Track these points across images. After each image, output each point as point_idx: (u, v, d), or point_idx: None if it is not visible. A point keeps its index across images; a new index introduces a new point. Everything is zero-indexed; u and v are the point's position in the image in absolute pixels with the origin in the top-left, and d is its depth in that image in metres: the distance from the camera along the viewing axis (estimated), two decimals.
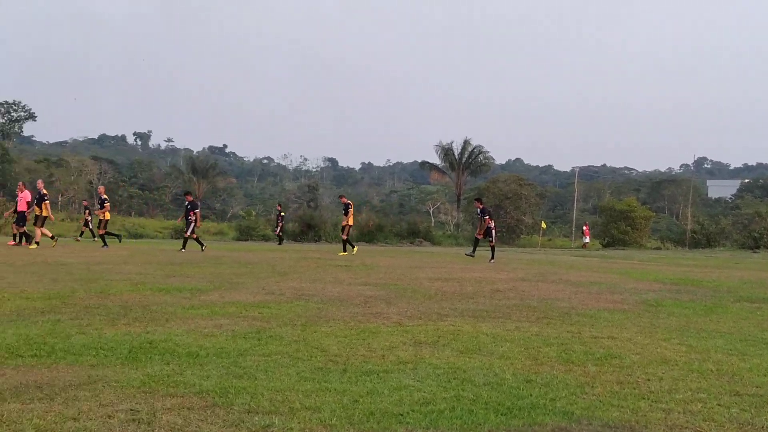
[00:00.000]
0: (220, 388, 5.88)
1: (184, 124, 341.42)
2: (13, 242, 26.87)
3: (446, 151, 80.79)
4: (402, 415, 5.31)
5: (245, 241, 48.88)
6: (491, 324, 9.90)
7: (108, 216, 29.69)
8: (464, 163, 80.00)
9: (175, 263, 19.57)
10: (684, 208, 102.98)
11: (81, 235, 39.05)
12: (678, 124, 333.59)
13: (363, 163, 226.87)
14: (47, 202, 26.05)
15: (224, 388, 5.88)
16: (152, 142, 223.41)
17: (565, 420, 5.34)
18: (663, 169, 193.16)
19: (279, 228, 42.60)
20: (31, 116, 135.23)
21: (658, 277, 19.40)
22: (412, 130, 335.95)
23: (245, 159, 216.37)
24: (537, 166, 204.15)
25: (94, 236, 38.74)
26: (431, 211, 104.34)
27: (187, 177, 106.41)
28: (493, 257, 25.92)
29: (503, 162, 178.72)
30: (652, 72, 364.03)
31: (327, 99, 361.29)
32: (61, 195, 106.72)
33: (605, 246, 60.44)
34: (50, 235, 26.88)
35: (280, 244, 41.39)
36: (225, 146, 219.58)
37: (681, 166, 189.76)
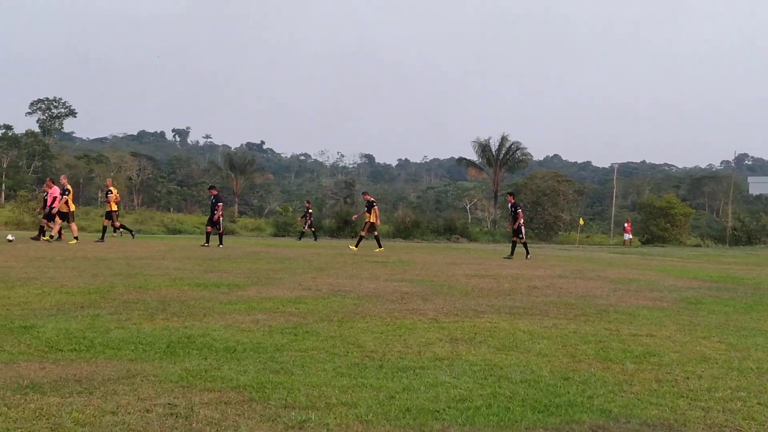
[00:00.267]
0: (257, 383, 5.91)
1: (222, 120, 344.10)
2: (47, 238, 26.97)
3: (483, 148, 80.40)
4: (438, 411, 5.31)
5: (282, 237, 49.02)
6: (528, 321, 9.85)
7: (115, 207, 29.69)
8: (501, 159, 79.55)
9: (212, 259, 19.69)
10: (724, 205, 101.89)
11: (115, 231, 39.30)
12: (719, 120, 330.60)
13: (400, 160, 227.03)
14: (67, 196, 26.08)
15: (261, 383, 5.91)
16: (191, 139, 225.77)
17: (603, 418, 5.31)
18: (703, 166, 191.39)
19: (307, 224, 42.73)
20: (72, 113, 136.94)
21: (698, 275, 19.17)
22: (449, 127, 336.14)
23: (282, 155, 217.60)
24: (575, 163, 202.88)
25: (114, 230, 39.07)
26: (468, 208, 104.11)
27: (225, 173, 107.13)
28: (527, 254, 25.74)
29: (541, 158, 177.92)
30: (693, 68, 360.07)
31: (364, 95, 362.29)
32: (101, 191, 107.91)
33: (644, 243, 59.82)
34: (55, 232, 26.84)
35: (313, 239, 41.45)
36: (262, 143, 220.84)
37: (721, 163, 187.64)
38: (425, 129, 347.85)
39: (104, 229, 29.89)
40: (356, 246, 28.07)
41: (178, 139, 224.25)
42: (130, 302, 10.55)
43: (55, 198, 26.65)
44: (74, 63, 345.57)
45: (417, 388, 5.92)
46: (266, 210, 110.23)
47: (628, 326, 9.62)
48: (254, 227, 62.96)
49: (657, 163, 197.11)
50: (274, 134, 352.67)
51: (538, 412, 5.39)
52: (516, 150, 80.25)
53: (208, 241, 27.17)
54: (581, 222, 60.03)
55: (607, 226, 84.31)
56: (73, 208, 26.30)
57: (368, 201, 29.03)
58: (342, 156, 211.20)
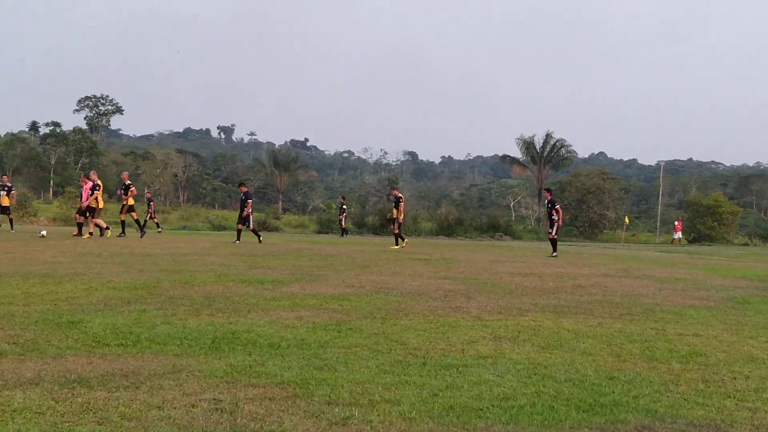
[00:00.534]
0: (301, 379, 5.94)
1: (266, 118, 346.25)
2: (89, 234, 27.09)
3: (528, 145, 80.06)
4: (482, 409, 5.29)
5: (325, 234, 49.22)
6: (573, 320, 9.78)
7: (132, 202, 29.02)
8: (546, 156, 79.16)
9: (257, 255, 19.82)
10: None
11: (159, 227, 39.71)
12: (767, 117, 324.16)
13: (443, 157, 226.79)
14: (98, 192, 26.18)
15: (305, 380, 5.94)
16: (235, 136, 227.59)
17: (649, 418, 5.25)
18: (751, 164, 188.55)
19: (342, 219, 43.02)
20: (119, 110, 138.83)
21: (746, 274, 18.90)
22: (492, 124, 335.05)
23: (326, 153, 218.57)
24: (621, 160, 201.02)
25: (140, 228, 39.37)
26: (512, 205, 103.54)
27: (270, 170, 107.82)
28: (555, 251, 25.57)
29: (586, 156, 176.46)
30: (741, 65, 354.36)
31: (407, 92, 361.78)
32: (147, 187, 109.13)
33: (691, 242, 59.15)
34: (103, 226, 26.99)
35: (342, 236, 41.59)
36: (306, 140, 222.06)
37: None
38: (469, 126, 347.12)
39: (123, 222, 29.29)
40: (397, 244, 28.17)
41: (223, 136, 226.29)
42: (175, 298, 10.66)
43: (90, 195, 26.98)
44: (122, 61, 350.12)
45: (460, 386, 5.91)
46: (310, 207, 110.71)
47: (674, 326, 9.52)
48: (298, 224, 63.32)
49: (704, 160, 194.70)
50: (317, 132, 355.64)
51: (583, 412, 5.35)
52: (561, 147, 79.84)
53: (239, 238, 27.36)
54: (626, 220, 59.52)
55: (653, 224, 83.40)
56: (102, 204, 26.44)
57: (396, 197, 29.18)
58: (385, 153, 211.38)
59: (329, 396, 5.51)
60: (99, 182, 26.62)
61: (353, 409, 5.20)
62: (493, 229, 54.02)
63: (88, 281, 12.31)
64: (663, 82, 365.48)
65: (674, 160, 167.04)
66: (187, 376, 6.00)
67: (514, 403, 5.49)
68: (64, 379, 5.78)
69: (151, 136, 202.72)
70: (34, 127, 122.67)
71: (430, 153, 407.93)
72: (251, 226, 27.99)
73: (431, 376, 6.22)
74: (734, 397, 5.87)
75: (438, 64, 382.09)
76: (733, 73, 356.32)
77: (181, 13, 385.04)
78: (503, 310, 10.55)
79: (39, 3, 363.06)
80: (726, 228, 61.95)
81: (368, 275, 15.05)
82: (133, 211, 29.11)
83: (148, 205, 40.31)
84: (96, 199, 25.90)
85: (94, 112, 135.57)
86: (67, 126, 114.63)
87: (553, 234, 25.92)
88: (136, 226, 30.47)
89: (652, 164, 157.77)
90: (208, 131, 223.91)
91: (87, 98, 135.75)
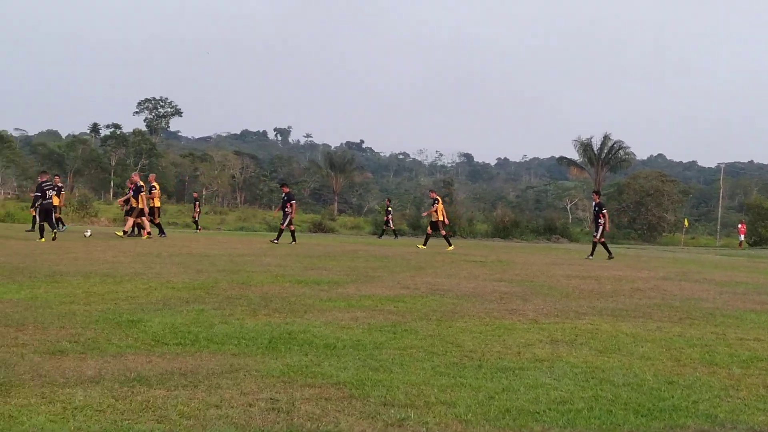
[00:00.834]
0: (357, 380, 5.96)
1: (322, 120, 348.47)
2: (146, 234, 27.21)
3: (585, 147, 79.28)
4: (538, 413, 5.26)
5: (381, 236, 49.27)
6: (631, 323, 9.66)
7: (158, 203, 28.49)
8: (603, 158, 78.28)
9: (312, 256, 19.94)
10: None
11: (198, 227, 40.17)
12: None
13: (498, 159, 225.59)
14: (143, 194, 26.41)
15: (361, 380, 5.96)
16: (292, 138, 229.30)
17: (708, 423, 5.17)
18: None
19: (387, 221, 43.07)
20: (178, 112, 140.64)
21: None
22: (549, 125, 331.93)
23: (381, 154, 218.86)
24: (680, 162, 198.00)
25: (197, 227, 39.83)
26: (569, 208, 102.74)
27: (325, 172, 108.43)
28: (592, 254, 25.30)
29: (644, 158, 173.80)
30: None
31: (463, 94, 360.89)
32: (205, 189, 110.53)
33: (752, 245, 58.01)
34: (146, 228, 27.03)
35: (380, 237, 41.59)
36: (362, 142, 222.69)
37: None
38: (525, 127, 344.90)
39: (159, 225, 28.65)
40: (450, 245, 28.24)
41: (279, 138, 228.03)
42: (233, 298, 10.77)
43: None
44: (180, 62, 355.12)
45: (517, 389, 5.88)
46: (365, 208, 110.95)
47: (734, 330, 9.35)
48: (353, 225, 63.55)
49: (765, 163, 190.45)
50: (373, 133, 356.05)
51: (641, 416, 5.29)
52: (618, 149, 78.92)
53: (294, 238, 27.55)
54: (686, 223, 58.57)
55: (713, 227, 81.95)
56: (142, 205, 26.65)
57: (433, 198, 29.20)
58: (440, 155, 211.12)
59: (385, 397, 5.52)
60: (142, 183, 26.91)
61: (409, 410, 5.20)
62: (550, 231, 53.58)
63: (148, 281, 12.51)
64: (723, 83, 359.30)
65: (735, 162, 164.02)
66: (245, 375, 6.06)
67: (572, 407, 5.45)
68: (124, 378, 5.87)
69: (209, 138, 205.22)
70: (95, 129, 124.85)
71: (486, 154, 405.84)
72: (284, 225, 27.95)
73: (487, 379, 6.20)
74: None
75: (495, 65, 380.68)
76: None
77: (239, 14, 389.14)
78: (560, 313, 10.46)
79: (99, 8, 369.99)
80: None
81: (423, 277, 15.05)
82: (144, 215, 27.32)
83: (195, 205, 40.88)
84: (139, 200, 26.22)
85: (153, 114, 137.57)
86: (127, 128, 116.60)
87: (598, 237, 25.64)
88: (136, 229, 28.04)
89: (712, 166, 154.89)
90: (265, 133, 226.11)
91: (146, 100, 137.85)
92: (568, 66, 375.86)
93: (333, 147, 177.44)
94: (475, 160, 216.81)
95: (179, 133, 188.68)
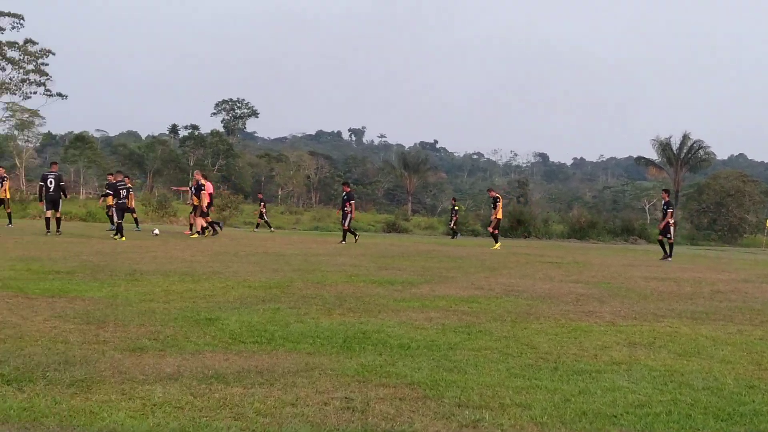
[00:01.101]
0: (431, 381, 5.95)
1: (396, 120, 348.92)
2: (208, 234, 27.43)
3: (663, 146, 77.87)
4: (615, 416, 5.18)
5: (454, 237, 49.16)
6: (711, 326, 9.45)
7: (196, 200, 27.76)
8: (683, 158, 76.76)
9: (386, 256, 19.99)
10: None
11: (257, 228, 40.52)
12: None
13: (575, 158, 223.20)
14: (205, 192, 26.63)
15: (435, 381, 5.95)
16: (366, 138, 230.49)
17: None
18: None
19: (453, 221, 42.88)
20: (254, 113, 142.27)
21: None
22: (627, 124, 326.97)
23: (455, 154, 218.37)
24: (762, 162, 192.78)
25: (269, 226, 40.13)
26: (647, 208, 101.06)
27: (399, 172, 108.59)
28: (670, 255, 24.80)
29: (725, 157, 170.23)
30: None
31: (538, 93, 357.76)
32: (281, 189, 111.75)
33: None
34: (204, 226, 27.28)
35: (453, 237, 41.39)
36: (436, 142, 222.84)
37: None
38: (602, 127, 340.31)
39: (211, 224, 28.44)
40: (497, 243, 28.33)
41: (354, 138, 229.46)
42: (308, 297, 10.86)
43: (210, 194, 27.71)
44: (256, 65, 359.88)
45: (593, 392, 5.80)
46: (439, 209, 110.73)
47: None
48: (427, 226, 63.40)
49: None
50: (446, 133, 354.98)
51: (721, 421, 5.17)
52: (698, 149, 77.31)
53: (355, 237, 27.66)
54: None
55: None
56: (205, 203, 26.91)
57: (493, 197, 29.12)
58: (515, 155, 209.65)
59: (459, 398, 5.50)
60: (204, 182, 27.20)
61: (484, 411, 5.17)
62: (627, 232, 52.73)
63: (225, 280, 12.69)
64: None
65: None
66: (320, 374, 6.10)
67: (650, 410, 5.35)
68: (202, 375, 5.96)
69: (285, 138, 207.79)
70: (173, 130, 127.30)
71: (562, 154, 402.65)
72: (346, 225, 28.01)
73: (563, 381, 6.13)
74: None
75: (570, 64, 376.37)
76: None
77: (314, 17, 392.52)
78: (638, 315, 10.29)
79: (179, 14, 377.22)
80: None
81: (497, 278, 14.96)
82: (206, 215, 27.71)
83: (260, 204, 41.33)
84: (201, 198, 26.53)
85: (230, 115, 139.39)
86: (204, 129, 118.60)
87: (671, 238, 25.20)
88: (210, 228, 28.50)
89: None
90: (339, 134, 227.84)
91: (224, 102, 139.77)
92: (647, 65, 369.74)
93: (407, 147, 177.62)
94: (551, 159, 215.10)
95: (255, 134, 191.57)
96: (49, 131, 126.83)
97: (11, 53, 67.96)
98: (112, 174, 31.19)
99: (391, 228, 53.27)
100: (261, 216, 40.46)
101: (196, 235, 26.46)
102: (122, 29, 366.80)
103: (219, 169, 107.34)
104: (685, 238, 51.15)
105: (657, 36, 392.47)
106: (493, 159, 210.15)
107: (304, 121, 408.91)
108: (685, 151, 76.95)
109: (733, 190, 65.77)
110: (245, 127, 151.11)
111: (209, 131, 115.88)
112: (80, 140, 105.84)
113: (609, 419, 5.12)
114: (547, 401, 5.50)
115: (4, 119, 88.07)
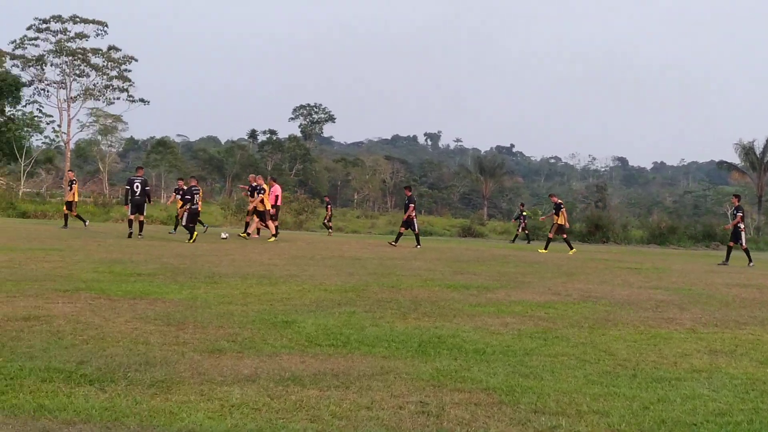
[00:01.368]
0: (507, 386, 5.92)
1: (472, 124, 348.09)
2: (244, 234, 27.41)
3: (746, 150, 75.81)
4: (695, 425, 5.09)
5: (529, 241, 48.77)
6: None
7: (268, 205, 26.97)
8: (766, 162, 74.69)
9: (461, 261, 19.93)
10: None
11: (329, 230, 40.66)
12: None
13: (655, 163, 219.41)
14: (262, 195, 26.62)
15: (511, 387, 5.92)
16: (442, 143, 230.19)
17: None
18: None
19: (521, 227, 42.65)
20: (331, 118, 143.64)
21: None
22: (709, 128, 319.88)
23: (532, 158, 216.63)
24: None
25: (328, 229, 40.27)
26: (729, 214, 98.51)
27: (475, 176, 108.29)
28: (750, 260, 24.22)
29: None
30: None
31: (617, 97, 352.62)
32: (357, 193, 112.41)
33: None
34: (253, 229, 27.38)
35: (528, 242, 41.07)
36: (512, 146, 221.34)
37: None
38: (684, 131, 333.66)
39: (276, 228, 27.61)
40: (545, 248, 28.50)
41: (429, 142, 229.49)
42: (383, 301, 10.90)
43: (276, 197, 27.85)
44: (335, 68, 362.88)
45: (672, 400, 5.70)
46: (515, 213, 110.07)
47: None
48: (503, 230, 62.97)
49: None
50: (523, 138, 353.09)
51: None
52: None
53: (397, 240, 27.52)
54: None
55: None
56: (269, 206, 26.96)
57: (556, 203, 28.81)
58: (593, 159, 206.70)
59: (535, 404, 5.46)
60: (264, 186, 27.24)
61: (560, 418, 5.13)
62: (709, 238, 51.51)
63: (302, 283, 12.81)
64: None
65: None
66: (395, 378, 6.12)
67: (731, 419, 5.24)
68: (279, 377, 6.04)
69: (361, 143, 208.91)
70: (252, 135, 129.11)
71: (641, 158, 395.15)
72: (415, 230, 27.92)
73: (642, 389, 6.04)
74: None
75: (651, 67, 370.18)
76: None
77: (391, 22, 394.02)
78: (719, 322, 10.06)
79: (255, 21, 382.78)
80: None
81: (575, 283, 14.78)
82: (262, 217, 27.23)
83: (326, 208, 41.60)
84: (262, 201, 26.62)
85: (307, 120, 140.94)
86: (282, 134, 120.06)
87: (743, 244, 24.60)
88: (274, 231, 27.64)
89: None
90: (415, 138, 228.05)
91: (301, 107, 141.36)
92: (730, 67, 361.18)
93: (483, 151, 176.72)
94: (630, 164, 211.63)
95: (332, 139, 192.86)
96: (131, 136, 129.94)
97: (95, 60, 69.58)
98: (182, 179, 31.67)
99: (467, 232, 53.07)
100: (328, 219, 40.87)
101: (273, 239, 26.65)
102: (203, 36, 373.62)
103: (296, 174, 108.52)
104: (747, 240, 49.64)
105: (741, 39, 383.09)
106: (571, 163, 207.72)
107: (380, 125, 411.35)
108: None
109: None
110: (322, 132, 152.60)
111: (287, 136, 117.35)
112: (162, 145, 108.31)
113: (689, 428, 5.03)
114: (625, 409, 5.43)
115: (88, 124, 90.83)
